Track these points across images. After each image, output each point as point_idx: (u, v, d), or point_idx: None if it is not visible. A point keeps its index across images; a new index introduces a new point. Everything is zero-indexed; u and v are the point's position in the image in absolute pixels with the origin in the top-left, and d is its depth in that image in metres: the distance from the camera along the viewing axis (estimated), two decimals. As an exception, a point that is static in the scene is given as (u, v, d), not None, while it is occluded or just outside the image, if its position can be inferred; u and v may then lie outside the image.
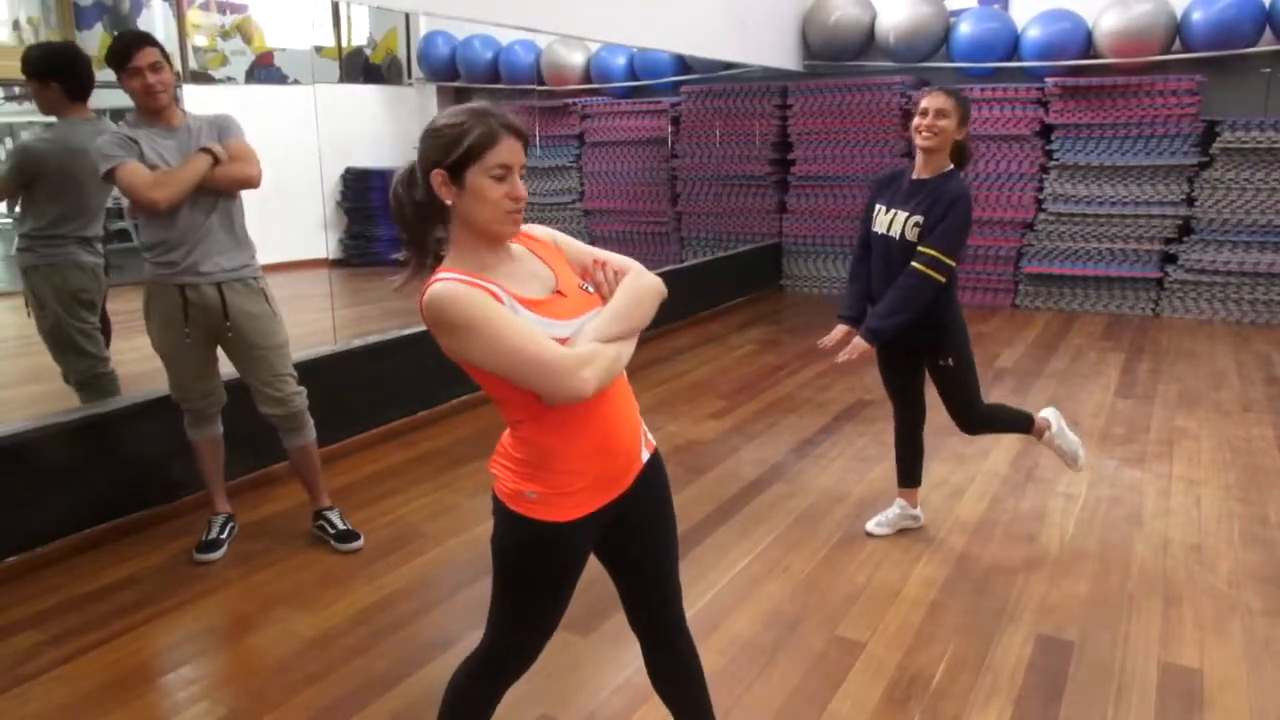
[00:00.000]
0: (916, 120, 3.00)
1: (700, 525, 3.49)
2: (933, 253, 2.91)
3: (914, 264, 2.93)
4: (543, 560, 1.67)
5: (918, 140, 2.99)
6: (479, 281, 1.53)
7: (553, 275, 1.65)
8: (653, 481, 1.76)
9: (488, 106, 1.58)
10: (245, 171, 3.11)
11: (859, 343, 2.98)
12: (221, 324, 3.16)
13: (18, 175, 3.49)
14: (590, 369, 1.50)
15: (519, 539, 1.66)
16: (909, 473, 3.41)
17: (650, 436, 1.77)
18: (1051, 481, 3.91)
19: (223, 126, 3.16)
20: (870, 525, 3.43)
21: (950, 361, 3.10)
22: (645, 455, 1.74)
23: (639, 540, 1.76)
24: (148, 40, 3.00)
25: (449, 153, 1.54)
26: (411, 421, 4.76)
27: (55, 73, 3.48)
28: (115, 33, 3.05)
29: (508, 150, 1.54)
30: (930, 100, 2.98)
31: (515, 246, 1.67)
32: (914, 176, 3.05)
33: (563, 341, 1.53)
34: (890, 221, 3.04)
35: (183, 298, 3.10)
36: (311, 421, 3.38)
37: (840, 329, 3.19)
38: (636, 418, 1.72)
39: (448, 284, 1.51)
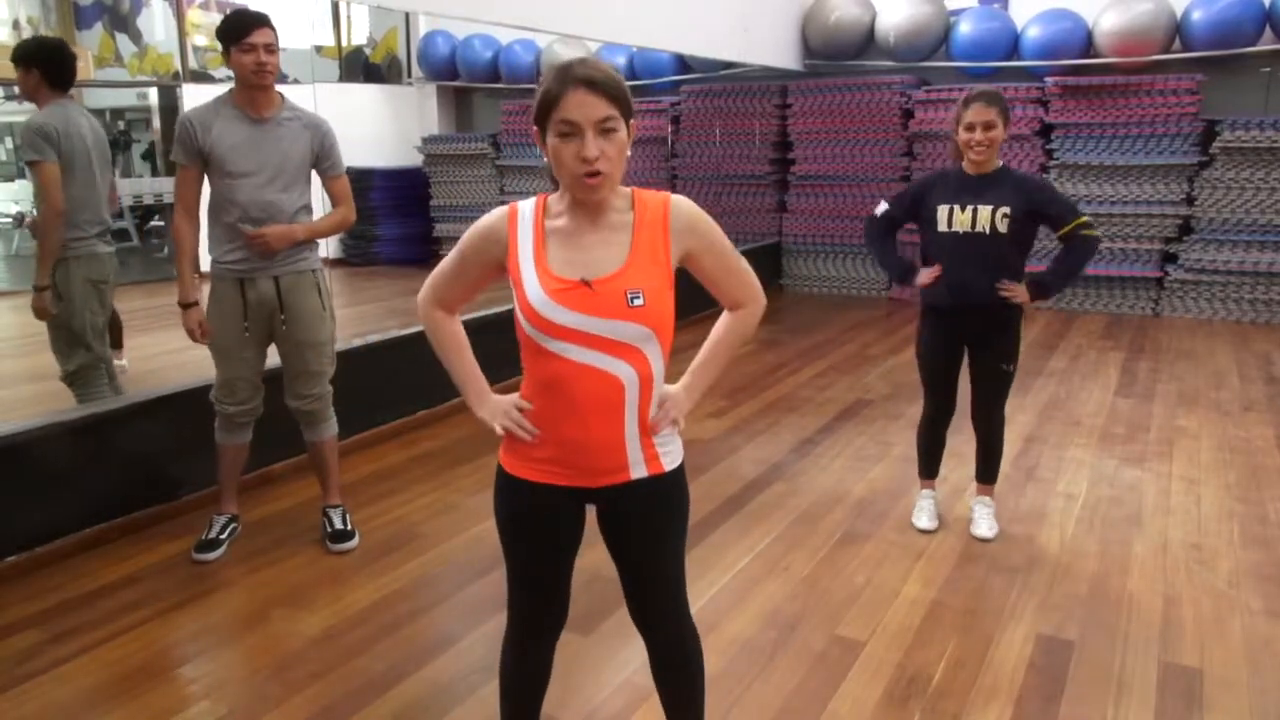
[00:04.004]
0: (965, 136, 3.04)
1: (700, 525, 3.49)
2: (1083, 219, 3.10)
3: (1083, 233, 3.08)
4: (501, 507, 1.77)
5: (971, 155, 3.06)
6: (525, 220, 1.64)
7: (611, 264, 1.59)
8: (652, 497, 1.72)
9: (575, 60, 1.54)
10: (345, 221, 3.28)
11: (1023, 291, 3.13)
12: (277, 315, 3.18)
13: (48, 144, 3.47)
14: (422, 307, 1.79)
15: (495, 484, 1.78)
16: (937, 464, 3.52)
17: (666, 459, 1.73)
18: (1051, 481, 3.91)
19: (323, 153, 3.19)
20: (923, 523, 3.44)
21: (1011, 368, 3.28)
22: (641, 471, 1.70)
23: (628, 541, 1.77)
24: (267, 21, 3.03)
25: (536, 108, 1.56)
26: (411, 421, 4.76)
27: (40, 60, 3.57)
28: (211, 7, 3.16)
29: (574, 105, 1.49)
30: (976, 114, 3.00)
31: (626, 217, 1.63)
32: (974, 174, 3.11)
33: (558, 330, 1.58)
34: (973, 218, 3.10)
35: (241, 293, 3.13)
36: (333, 419, 3.39)
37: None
38: (610, 434, 1.65)
39: (502, 208, 1.68)
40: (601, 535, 1.80)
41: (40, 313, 3.60)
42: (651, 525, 1.76)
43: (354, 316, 7.18)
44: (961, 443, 3.68)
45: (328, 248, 10.16)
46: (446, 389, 5.02)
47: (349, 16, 11.25)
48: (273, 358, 3.30)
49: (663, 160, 9.23)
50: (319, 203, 3.27)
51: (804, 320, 7.60)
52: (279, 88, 3.14)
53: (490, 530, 1.72)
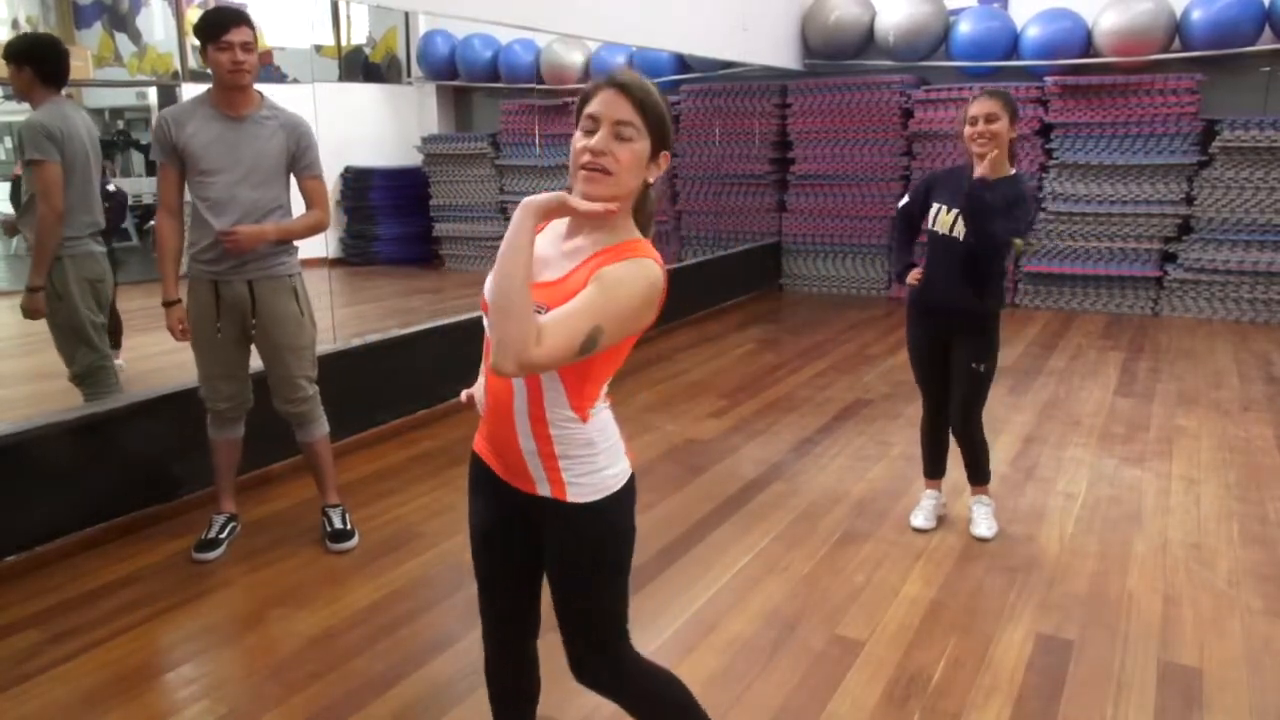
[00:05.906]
0: (969, 130, 3.03)
1: (700, 524, 3.49)
2: (1017, 241, 3.11)
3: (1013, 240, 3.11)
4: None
5: (974, 148, 3.03)
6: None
7: (550, 274, 1.55)
8: (561, 522, 1.62)
9: (622, 68, 1.59)
10: (319, 223, 3.21)
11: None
12: (249, 319, 3.17)
13: (52, 144, 3.45)
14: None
15: None
16: (939, 464, 3.51)
17: (572, 489, 1.60)
18: (1051, 480, 3.91)
19: (299, 152, 3.16)
20: (918, 522, 3.45)
21: (981, 368, 3.24)
22: (545, 490, 1.61)
23: (547, 562, 1.70)
24: (245, 19, 3.00)
25: (576, 111, 1.59)
26: (410, 421, 4.76)
27: (32, 57, 3.55)
28: (211, 6, 3.10)
29: (599, 101, 1.52)
30: (979, 107, 3.00)
31: (598, 245, 1.54)
32: (976, 176, 3.06)
33: (484, 303, 1.55)
34: (952, 222, 3.10)
35: (215, 293, 3.13)
36: (322, 418, 3.38)
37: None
38: (507, 431, 1.61)
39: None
40: None
41: (32, 313, 3.58)
42: (560, 553, 1.66)
43: (353, 316, 7.18)
44: (961, 442, 3.70)
45: (327, 248, 10.17)
46: (446, 389, 5.04)
47: (349, 16, 11.25)
48: (258, 360, 3.30)
49: (662, 160, 9.22)
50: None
51: (803, 320, 7.60)
52: (278, 87, 3.13)
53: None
